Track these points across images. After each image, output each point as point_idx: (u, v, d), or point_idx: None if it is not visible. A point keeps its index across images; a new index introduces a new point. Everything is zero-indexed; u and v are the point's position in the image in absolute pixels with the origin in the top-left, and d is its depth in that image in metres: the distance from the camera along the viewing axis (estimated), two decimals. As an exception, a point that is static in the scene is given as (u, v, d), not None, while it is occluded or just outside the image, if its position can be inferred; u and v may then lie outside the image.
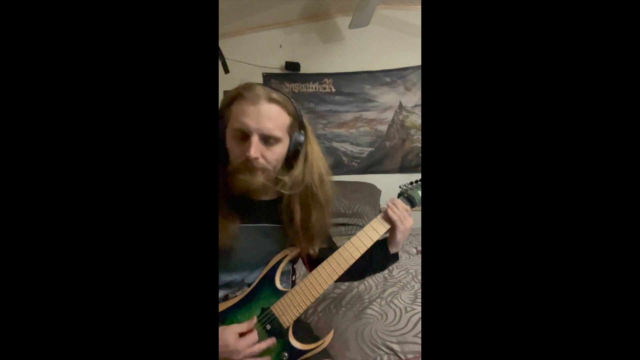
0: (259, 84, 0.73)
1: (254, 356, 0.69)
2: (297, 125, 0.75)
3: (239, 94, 0.71)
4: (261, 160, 0.70)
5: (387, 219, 0.77)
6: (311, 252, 0.79)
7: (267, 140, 0.70)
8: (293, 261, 0.84)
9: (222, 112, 0.73)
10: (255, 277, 0.77)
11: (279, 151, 0.73)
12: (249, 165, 0.69)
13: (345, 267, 0.75)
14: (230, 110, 0.71)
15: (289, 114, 0.73)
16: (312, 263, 0.80)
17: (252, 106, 0.69)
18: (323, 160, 0.80)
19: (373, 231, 0.76)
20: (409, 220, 0.77)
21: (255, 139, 0.69)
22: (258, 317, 0.74)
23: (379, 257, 0.82)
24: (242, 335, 0.70)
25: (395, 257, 0.85)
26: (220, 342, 0.67)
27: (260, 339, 0.71)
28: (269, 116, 0.70)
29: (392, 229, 0.78)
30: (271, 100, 0.70)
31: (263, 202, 0.79)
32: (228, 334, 0.68)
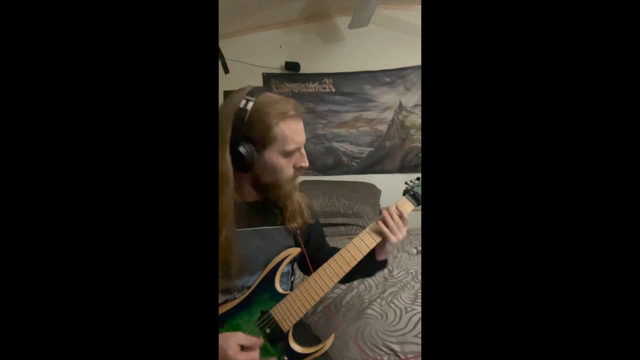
0: (288, 99, 0.74)
1: None
2: None
3: (286, 114, 0.70)
4: None
5: (383, 225, 0.76)
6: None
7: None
8: (292, 262, 0.83)
9: (269, 138, 0.70)
10: (255, 279, 0.76)
11: None
12: (295, 174, 0.76)
13: (347, 268, 0.74)
14: (279, 132, 0.70)
15: None
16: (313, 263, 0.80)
17: (297, 123, 0.73)
18: None
19: (370, 237, 0.76)
20: (403, 231, 0.76)
21: (303, 151, 0.75)
22: (257, 320, 0.74)
23: (366, 263, 0.79)
24: (243, 348, 0.69)
25: (383, 264, 0.83)
26: (221, 349, 0.66)
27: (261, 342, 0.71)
28: (303, 130, 0.75)
29: (383, 239, 0.76)
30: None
31: (254, 203, 0.78)
32: (230, 343, 0.67)
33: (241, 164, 0.69)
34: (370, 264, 0.81)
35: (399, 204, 0.77)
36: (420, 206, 0.77)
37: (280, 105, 0.70)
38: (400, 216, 0.75)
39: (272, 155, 0.71)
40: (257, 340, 0.71)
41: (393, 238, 0.74)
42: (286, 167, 0.73)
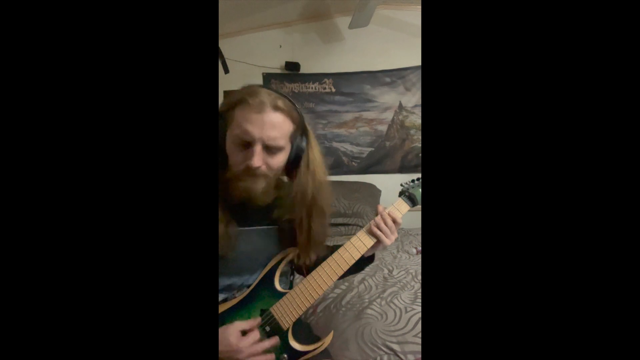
0: (264, 88, 0.71)
1: (256, 355, 0.69)
2: (300, 131, 0.74)
3: (243, 99, 0.68)
4: (263, 168, 0.69)
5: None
6: (307, 262, 0.78)
7: (270, 148, 0.68)
8: (292, 261, 0.84)
9: (224, 114, 0.70)
10: (255, 279, 0.77)
11: (281, 159, 0.72)
12: (250, 172, 0.68)
13: (345, 266, 0.75)
14: (233, 114, 0.69)
15: (293, 121, 0.71)
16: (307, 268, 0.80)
17: (256, 114, 0.67)
18: (323, 167, 0.78)
19: (367, 237, 0.77)
20: (396, 234, 0.77)
21: (258, 149, 0.67)
22: None
23: (357, 260, 0.79)
24: (244, 333, 0.69)
25: (371, 259, 0.85)
26: (222, 342, 0.66)
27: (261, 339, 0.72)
28: (273, 125, 0.67)
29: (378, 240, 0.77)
30: (276, 108, 0.68)
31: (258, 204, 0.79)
32: (230, 333, 0.68)
33: None
34: (361, 261, 0.82)
35: (395, 206, 0.79)
36: (416, 206, 0.79)
37: (244, 91, 0.70)
38: (394, 220, 0.76)
39: (228, 139, 0.69)
40: (253, 321, 0.71)
41: (387, 241, 0.76)
42: (237, 157, 0.68)
